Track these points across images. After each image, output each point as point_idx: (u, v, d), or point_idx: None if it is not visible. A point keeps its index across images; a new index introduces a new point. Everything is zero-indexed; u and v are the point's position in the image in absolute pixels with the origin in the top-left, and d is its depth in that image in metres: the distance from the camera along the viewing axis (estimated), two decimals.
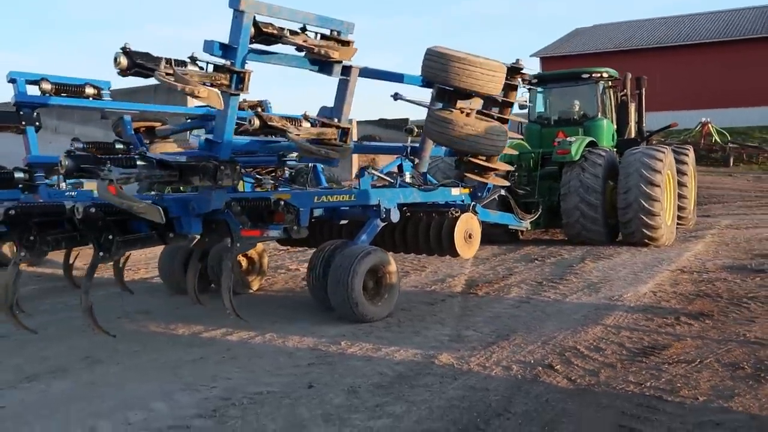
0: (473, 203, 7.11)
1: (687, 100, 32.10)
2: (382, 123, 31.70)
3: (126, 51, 4.53)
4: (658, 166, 9.83)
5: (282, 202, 5.09)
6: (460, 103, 6.48)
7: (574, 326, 5.45)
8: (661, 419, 3.52)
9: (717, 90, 32.50)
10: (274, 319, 5.93)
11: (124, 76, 4.72)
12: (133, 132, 7.87)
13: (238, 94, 4.72)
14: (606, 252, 9.51)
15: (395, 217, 6.18)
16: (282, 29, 4.88)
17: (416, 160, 7.31)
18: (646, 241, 9.88)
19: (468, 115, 6.34)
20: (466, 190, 7.27)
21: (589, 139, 10.85)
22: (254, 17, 4.70)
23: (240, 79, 4.61)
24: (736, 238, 11.21)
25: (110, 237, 4.56)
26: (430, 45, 6.41)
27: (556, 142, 10.75)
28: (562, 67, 38.02)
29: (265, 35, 4.80)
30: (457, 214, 6.63)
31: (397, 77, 6.55)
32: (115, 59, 4.52)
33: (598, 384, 4.07)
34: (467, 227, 6.74)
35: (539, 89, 12.34)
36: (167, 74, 4.30)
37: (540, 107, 12.48)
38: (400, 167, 8.39)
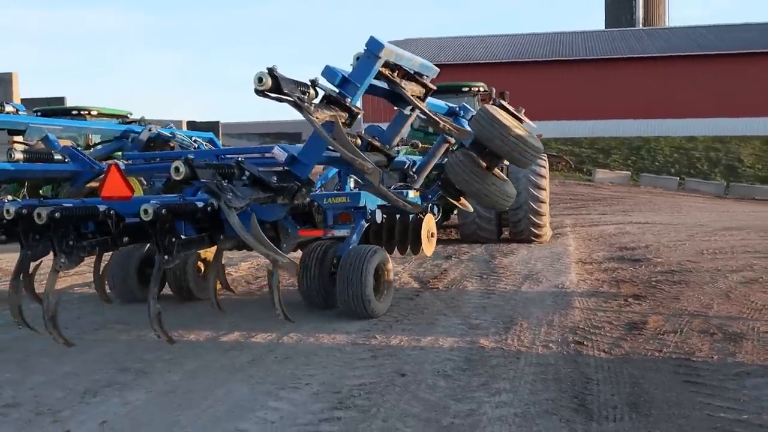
0: (426, 204, 7.70)
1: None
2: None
3: (272, 73, 4.43)
4: (543, 171, 11.19)
5: (315, 204, 5.24)
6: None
7: (556, 311, 6.25)
8: (702, 374, 4.38)
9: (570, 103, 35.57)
10: (276, 321, 5.97)
11: (261, 96, 4.58)
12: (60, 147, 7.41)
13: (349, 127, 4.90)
14: (503, 249, 10.59)
15: (379, 217, 6.55)
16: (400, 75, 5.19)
17: (415, 176, 7.54)
18: (532, 238, 11.18)
19: (497, 177, 6.83)
20: (417, 193, 7.82)
21: None
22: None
23: (353, 117, 4.79)
24: (591, 234, 13.06)
25: (173, 240, 4.41)
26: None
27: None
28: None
29: (383, 77, 5.05)
30: (422, 216, 7.16)
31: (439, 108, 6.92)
32: (260, 79, 4.40)
33: (629, 353, 4.87)
34: (429, 227, 7.34)
35: None
36: (299, 102, 4.40)
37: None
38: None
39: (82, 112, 13.31)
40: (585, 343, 5.13)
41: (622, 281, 7.83)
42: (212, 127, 28.64)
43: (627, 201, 21.94)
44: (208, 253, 7.19)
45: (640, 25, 54.89)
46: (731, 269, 8.71)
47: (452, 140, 7.33)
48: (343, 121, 4.77)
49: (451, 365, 4.58)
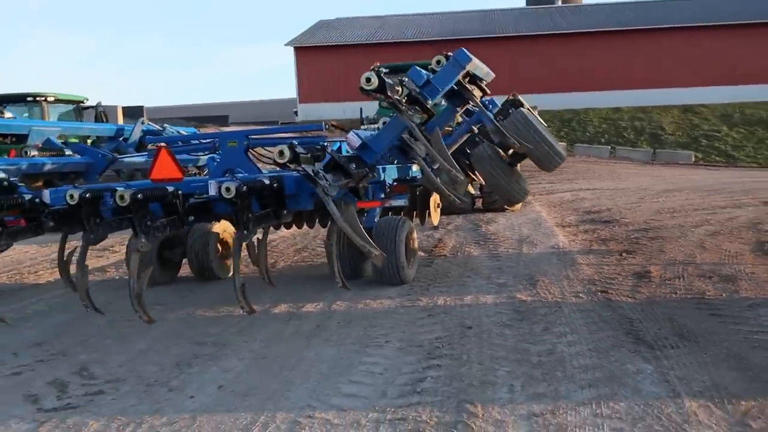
0: None
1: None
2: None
3: (379, 75, 4.69)
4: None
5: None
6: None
7: (566, 267, 6.84)
8: (721, 308, 5.04)
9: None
10: (311, 293, 6.29)
11: (366, 94, 4.83)
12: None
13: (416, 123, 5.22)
14: (482, 218, 11.18)
15: None
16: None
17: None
18: (506, 207, 11.80)
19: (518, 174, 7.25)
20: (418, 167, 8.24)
21: None
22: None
23: (429, 117, 5.13)
24: (552, 201, 13.86)
25: (249, 215, 4.67)
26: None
27: None
28: (318, 56, 40.08)
29: (458, 82, 5.36)
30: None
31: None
32: (369, 79, 4.65)
33: (651, 297, 5.49)
34: (435, 199, 7.79)
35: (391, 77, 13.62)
36: (399, 104, 4.71)
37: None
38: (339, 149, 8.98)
39: (38, 99, 13.04)
40: (608, 291, 5.73)
41: (607, 240, 8.53)
42: (137, 111, 27.96)
43: (568, 170, 23.01)
44: (226, 234, 7.41)
45: (560, 2, 56.72)
46: (693, 224, 9.60)
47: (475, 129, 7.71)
48: (423, 121, 5.12)
49: (506, 317, 5.06)
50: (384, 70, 13.70)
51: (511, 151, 7.01)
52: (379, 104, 13.72)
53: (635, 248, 7.79)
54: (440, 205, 7.87)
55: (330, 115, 37.53)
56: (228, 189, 4.50)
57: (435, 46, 37.75)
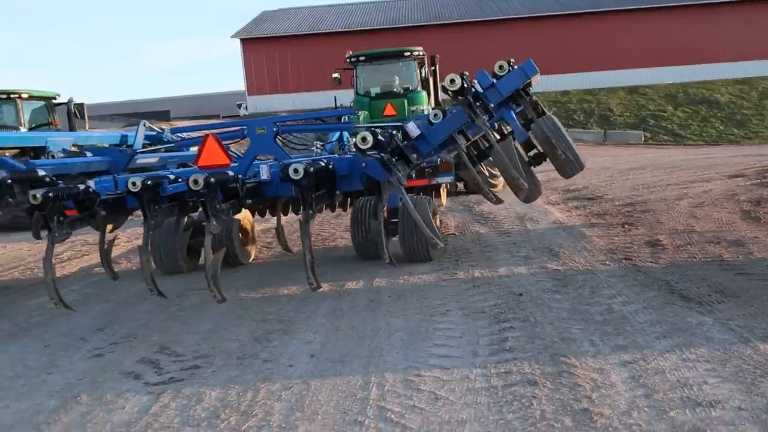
0: None
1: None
2: None
3: (463, 78, 4.89)
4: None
5: None
6: None
7: (578, 240, 7.25)
8: (744, 268, 5.52)
9: None
10: (345, 272, 6.50)
11: (446, 94, 5.02)
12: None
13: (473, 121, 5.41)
14: (470, 200, 11.56)
15: None
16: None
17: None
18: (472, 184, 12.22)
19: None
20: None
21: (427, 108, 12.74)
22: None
23: (490, 117, 5.40)
24: None
25: (313, 195, 4.86)
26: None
27: (390, 112, 12.49)
28: (266, 48, 39.75)
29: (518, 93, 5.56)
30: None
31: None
32: (453, 80, 4.86)
33: (674, 262, 5.93)
34: None
35: (365, 66, 13.81)
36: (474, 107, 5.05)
37: (366, 82, 13.96)
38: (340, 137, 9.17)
39: (11, 96, 12.85)
40: (631, 258, 6.15)
41: (601, 214, 9.01)
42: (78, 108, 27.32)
43: None
44: (246, 221, 7.54)
45: None
46: (674, 198, 10.19)
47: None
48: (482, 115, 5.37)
49: (549, 285, 5.41)
50: (362, 58, 13.94)
51: (533, 152, 7.18)
52: (356, 93, 13.94)
53: (633, 221, 8.27)
54: (447, 186, 8.16)
55: (279, 107, 37.45)
56: (296, 170, 4.67)
57: (381, 34, 38.19)
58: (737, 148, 25.13)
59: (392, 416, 3.16)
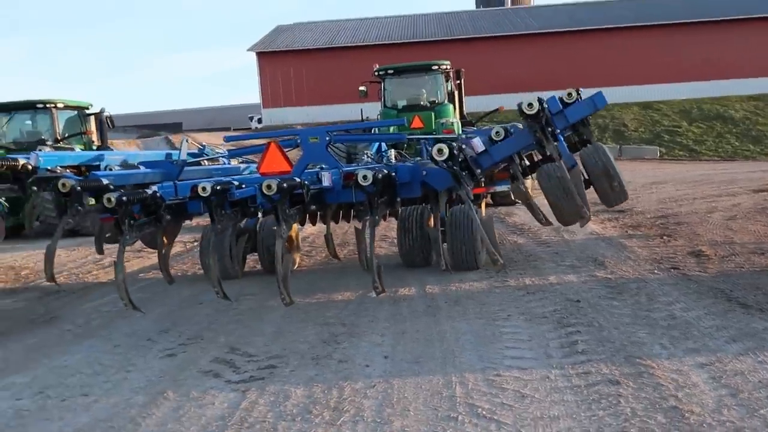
0: None
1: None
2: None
3: (540, 102, 5.17)
4: None
5: None
6: None
7: (620, 250, 7.34)
8: None
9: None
10: (389, 279, 6.60)
11: (521, 116, 5.31)
12: None
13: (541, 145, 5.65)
14: (498, 211, 11.65)
15: None
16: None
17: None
18: (517, 200, 12.32)
19: None
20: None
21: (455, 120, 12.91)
22: None
23: (554, 140, 5.59)
24: None
25: (379, 201, 4.98)
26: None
27: (418, 124, 12.66)
28: (282, 61, 40.15)
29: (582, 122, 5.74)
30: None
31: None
32: (531, 104, 5.13)
33: (722, 272, 6.01)
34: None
35: (393, 79, 14.02)
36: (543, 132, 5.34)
37: (393, 94, 14.15)
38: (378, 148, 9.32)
39: (47, 105, 13.12)
40: (679, 268, 6.23)
41: (636, 226, 9.10)
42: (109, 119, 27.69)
43: None
44: (292, 229, 7.66)
45: (509, 4, 58.07)
46: (705, 211, 10.28)
47: None
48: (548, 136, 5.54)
49: (603, 292, 5.50)
50: (390, 71, 14.15)
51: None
52: (383, 106, 14.16)
53: (670, 232, 8.36)
54: (487, 198, 8.28)
55: (294, 120, 37.75)
56: (365, 176, 4.80)
57: (397, 48, 38.54)
58: (754, 163, 25.21)
59: (483, 412, 3.25)
